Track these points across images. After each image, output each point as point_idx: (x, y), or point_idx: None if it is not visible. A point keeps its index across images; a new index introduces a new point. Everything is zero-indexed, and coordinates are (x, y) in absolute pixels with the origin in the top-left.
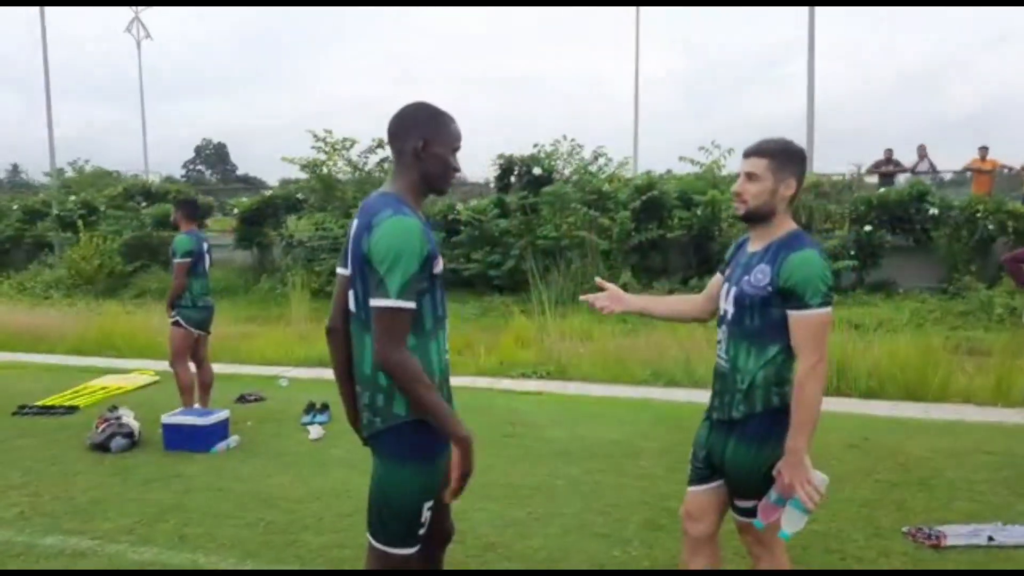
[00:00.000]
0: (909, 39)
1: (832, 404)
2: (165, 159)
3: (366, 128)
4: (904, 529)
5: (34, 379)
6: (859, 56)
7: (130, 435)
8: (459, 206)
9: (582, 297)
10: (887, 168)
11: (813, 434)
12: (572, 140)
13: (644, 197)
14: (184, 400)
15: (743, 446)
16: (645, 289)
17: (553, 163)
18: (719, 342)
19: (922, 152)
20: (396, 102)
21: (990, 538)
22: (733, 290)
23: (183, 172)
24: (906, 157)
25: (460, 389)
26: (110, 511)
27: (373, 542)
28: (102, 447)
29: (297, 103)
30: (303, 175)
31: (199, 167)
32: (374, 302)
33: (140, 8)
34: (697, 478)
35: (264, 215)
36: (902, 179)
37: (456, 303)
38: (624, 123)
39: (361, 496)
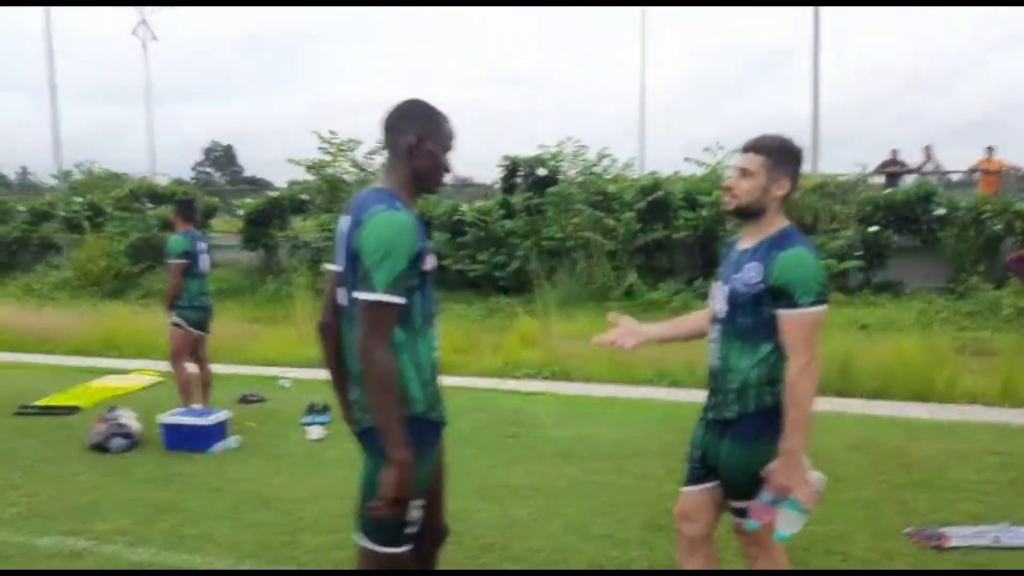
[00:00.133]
0: (917, 40)
1: (836, 404)
2: (174, 161)
3: (373, 129)
4: (907, 530)
5: (36, 379)
6: (867, 56)
7: (129, 435)
8: (464, 207)
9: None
10: (893, 168)
11: (808, 434)
12: (577, 141)
13: (649, 198)
14: (183, 400)
15: (737, 446)
16: (651, 289)
17: (558, 164)
18: (712, 341)
19: (928, 153)
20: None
21: (995, 540)
22: (725, 288)
23: (192, 174)
24: (913, 158)
25: (463, 389)
26: (108, 511)
27: (362, 541)
28: (101, 447)
29: (306, 105)
30: (310, 176)
31: (207, 169)
32: (360, 295)
33: (147, 9)
34: (692, 478)
35: (270, 216)
36: (910, 180)
37: (461, 304)
38: (630, 123)
39: None
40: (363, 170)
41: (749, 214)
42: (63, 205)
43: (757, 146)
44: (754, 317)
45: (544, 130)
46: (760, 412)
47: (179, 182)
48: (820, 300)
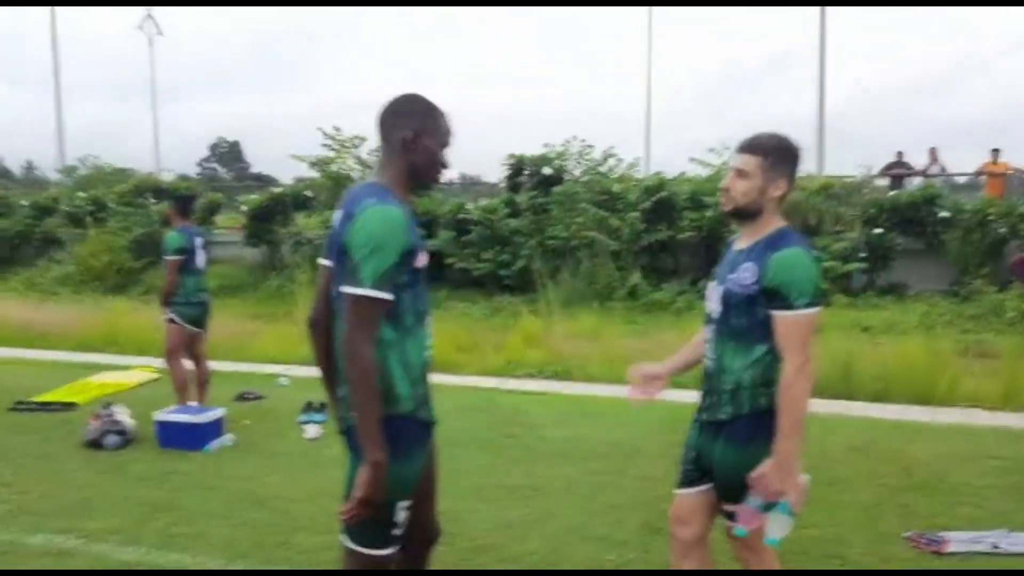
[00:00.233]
0: (923, 42)
1: (837, 407)
2: (181, 157)
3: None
4: (906, 534)
5: (34, 375)
6: (873, 58)
7: (124, 432)
8: (469, 205)
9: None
10: (898, 171)
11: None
12: (582, 140)
13: (654, 198)
14: (180, 398)
15: (731, 448)
16: (655, 290)
17: (563, 163)
18: (707, 341)
19: (933, 155)
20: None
21: (994, 545)
22: (719, 288)
23: (197, 170)
24: (918, 160)
25: (464, 388)
26: (99, 509)
27: (347, 543)
28: (96, 444)
29: (313, 102)
30: (314, 173)
31: (213, 165)
32: (346, 289)
33: (151, 6)
34: (686, 480)
35: (273, 212)
36: (916, 182)
37: (465, 302)
38: (637, 123)
39: None
40: (367, 167)
41: (746, 215)
42: (66, 200)
43: (753, 146)
44: (748, 318)
45: (550, 130)
46: (754, 414)
47: (184, 178)
48: (815, 302)
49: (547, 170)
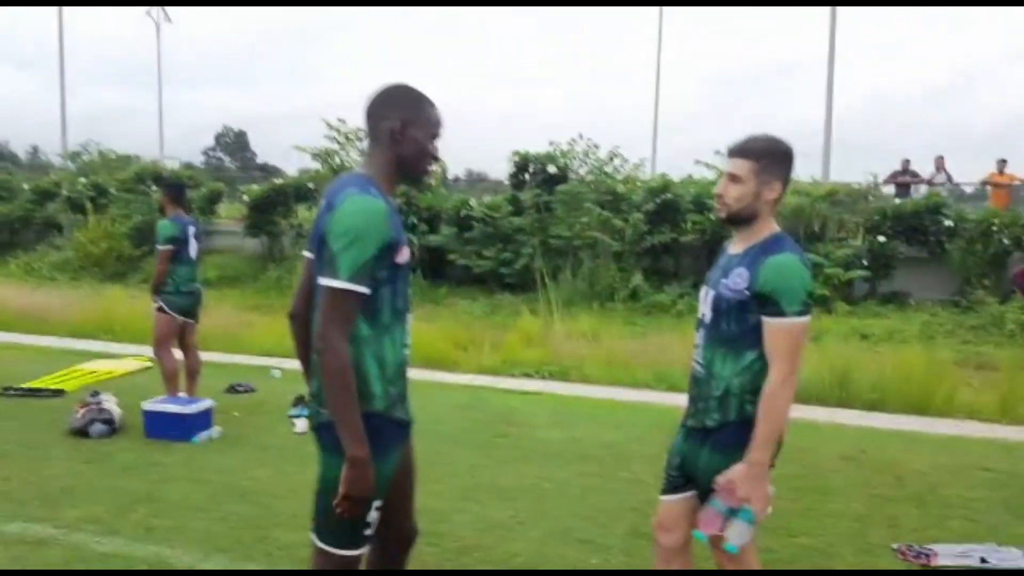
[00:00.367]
0: (934, 50)
1: (833, 415)
2: (187, 145)
3: None
4: (894, 546)
5: (26, 360)
6: (883, 64)
7: (110, 421)
8: (472, 202)
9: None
10: (904, 179)
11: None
12: (588, 140)
13: (658, 200)
14: (168, 388)
15: (717, 455)
16: (656, 292)
17: (568, 162)
18: (696, 346)
19: (939, 164)
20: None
21: (983, 559)
22: (711, 293)
23: (202, 159)
24: (926, 169)
25: (459, 387)
26: (80, 498)
27: (317, 542)
28: (81, 432)
29: (321, 93)
30: (318, 165)
31: (219, 154)
32: (323, 281)
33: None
34: (671, 487)
35: (275, 204)
36: (923, 190)
37: (466, 300)
38: (645, 124)
39: None
40: None
41: (741, 220)
42: (68, 185)
43: (744, 150)
44: (739, 324)
45: (558, 128)
46: (741, 422)
47: (189, 167)
48: (806, 310)
49: (552, 168)
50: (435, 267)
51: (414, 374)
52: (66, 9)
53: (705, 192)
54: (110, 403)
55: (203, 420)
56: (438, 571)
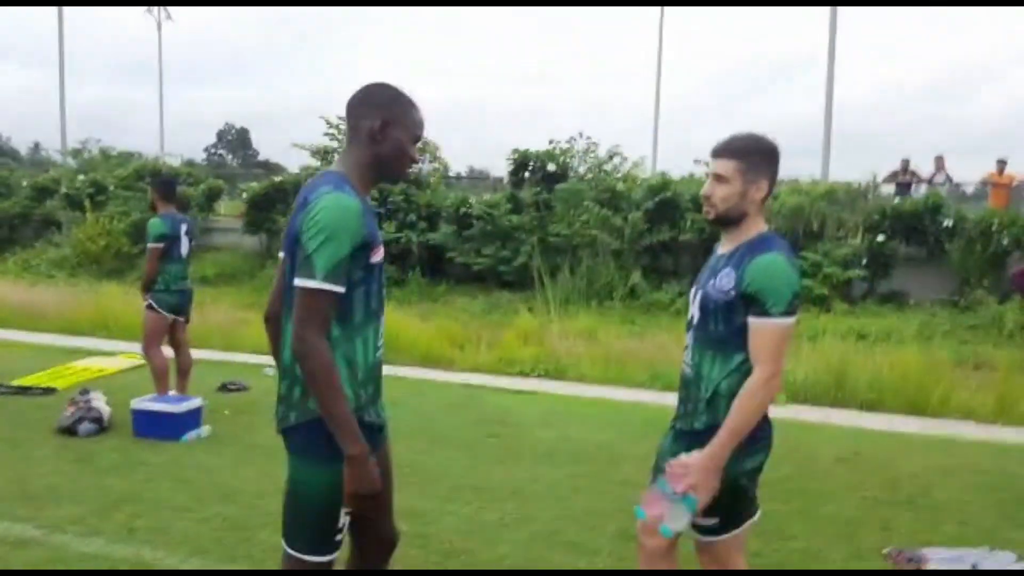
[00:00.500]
0: (934, 49)
1: (827, 415)
2: (189, 142)
3: None
4: (885, 551)
5: (20, 357)
6: (883, 63)
7: (99, 420)
8: (472, 200)
9: None
10: (903, 178)
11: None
12: (588, 138)
13: (657, 198)
14: (158, 386)
15: None
16: (655, 291)
17: (568, 160)
18: (686, 348)
19: (939, 164)
20: (416, 92)
21: (975, 564)
22: (699, 294)
23: (204, 156)
24: (926, 168)
25: (453, 385)
26: (64, 498)
27: (286, 547)
28: (69, 431)
29: (324, 90)
30: (317, 162)
31: (220, 151)
32: (298, 282)
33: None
34: None
35: (274, 201)
36: (924, 189)
37: (464, 298)
38: (645, 122)
39: None
40: None
41: (729, 220)
42: (66, 182)
43: (729, 150)
44: (727, 325)
45: (558, 126)
46: None
47: (190, 164)
48: (791, 310)
49: (551, 166)
50: (434, 265)
51: (409, 372)
52: (71, 7)
53: None
54: (99, 401)
55: (192, 419)
56: (421, 571)
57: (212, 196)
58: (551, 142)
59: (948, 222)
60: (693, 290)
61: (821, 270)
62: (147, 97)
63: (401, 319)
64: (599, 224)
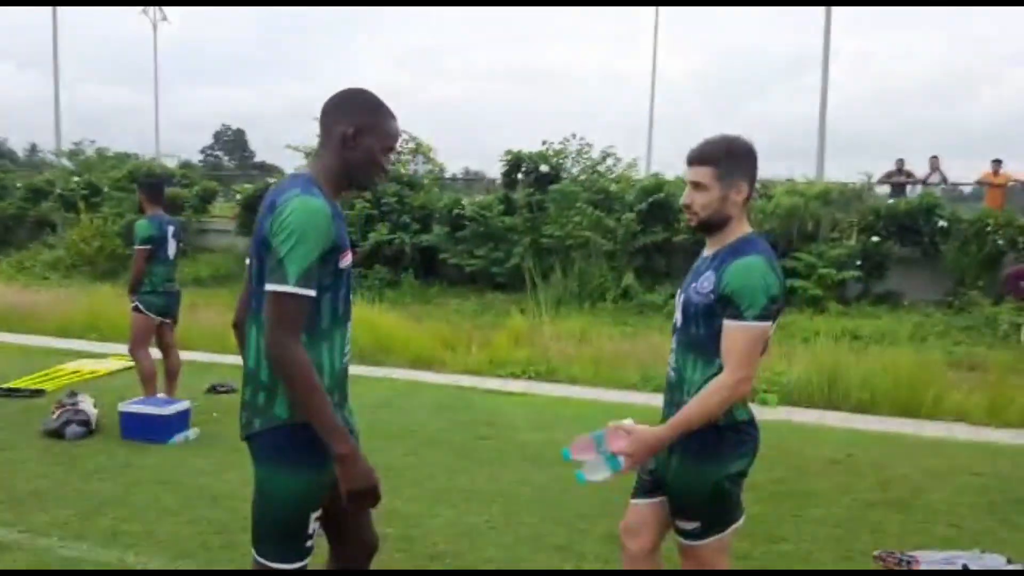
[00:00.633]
0: (932, 49)
1: (820, 417)
2: (186, 144)
3: None
4: (875, 553)
5: (9, 360)
6: (880, 63)
7: (86, 422)
8: (465, 201)
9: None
10: (898, 179)
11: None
12: (581, 139)
13: (651, 199)
14: (145, 389)
15: (687, 462)
16: (648, 292)
17: (561, 161)
18: (671, 351)
19: (934, 164)
20: (413, 93)
21: (966, 567)
22: (682, 297)
23: (200, 157)
24: (920, 168)
25: (443, 387)
26: (49, 502)
27: (255, 556)
28: (56, 434)
29: (320, 91)
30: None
31: (217, 153)
32: (269, 287)
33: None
34: (641, 490)
35: None
36: (919, 190)
37: (457, 299)
38: (640, 123)
39: None
40: None
41: (712, 226)
42: (61, 183)
43: (703, 157)
44: (707, 328)
45: (552, 126)
46: (712, 428)
47: (186, 165)
48: (765, 315)
49: (544, 168)
50: (427, 266)
51: (400, 374)
52: (68, 7)
53: None
54: (86, 404)
55: (180, 421)
56: (406, 571)
57: (206, 198)
58: (544, 143)
59: (943, 223)
60: (678, 293)
61: (815, 271)
62: (143, 98)
63: (394, 321)
64: (592, 225)
